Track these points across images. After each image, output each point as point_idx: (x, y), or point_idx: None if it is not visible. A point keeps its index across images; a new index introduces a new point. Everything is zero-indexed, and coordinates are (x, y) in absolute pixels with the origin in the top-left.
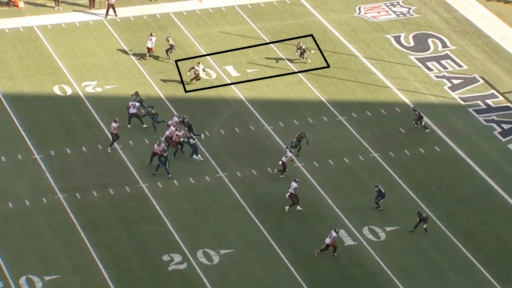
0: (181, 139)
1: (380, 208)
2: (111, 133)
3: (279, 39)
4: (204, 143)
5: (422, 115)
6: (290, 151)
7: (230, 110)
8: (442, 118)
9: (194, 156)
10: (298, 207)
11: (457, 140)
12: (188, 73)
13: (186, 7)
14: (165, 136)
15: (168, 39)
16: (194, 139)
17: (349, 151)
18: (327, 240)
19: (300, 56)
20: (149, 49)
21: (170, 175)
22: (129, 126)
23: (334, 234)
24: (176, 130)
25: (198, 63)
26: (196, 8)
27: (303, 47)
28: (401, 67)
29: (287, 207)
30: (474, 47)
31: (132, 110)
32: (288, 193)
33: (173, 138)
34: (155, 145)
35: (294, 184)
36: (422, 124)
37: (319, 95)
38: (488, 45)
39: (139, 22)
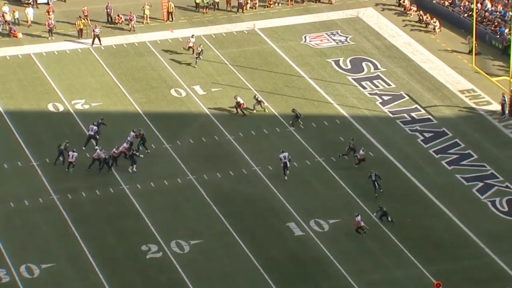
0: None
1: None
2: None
3: (239, 64)
4: (176, 150)
5: (299, 114)
6: (362, 150)
7: (198, 122)
8: (375, 129)
9: (130, 168)
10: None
11: (387, 147)
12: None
13: (160, 36)
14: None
15: (200, 45)
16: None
17: (298, 157)
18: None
19: (257, 105)
20: (190, 47)
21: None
22: (84, 148)
23: (357, 218)
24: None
25: (192, 35)
26: (168, 38)
27: (259, 98)
28: (340, 86)
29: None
30: (400, 69)
31: (90, 132)
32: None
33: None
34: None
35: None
36: (298, 123)
37: (273, 110)
38: (412, 67)
39: (120, 49)
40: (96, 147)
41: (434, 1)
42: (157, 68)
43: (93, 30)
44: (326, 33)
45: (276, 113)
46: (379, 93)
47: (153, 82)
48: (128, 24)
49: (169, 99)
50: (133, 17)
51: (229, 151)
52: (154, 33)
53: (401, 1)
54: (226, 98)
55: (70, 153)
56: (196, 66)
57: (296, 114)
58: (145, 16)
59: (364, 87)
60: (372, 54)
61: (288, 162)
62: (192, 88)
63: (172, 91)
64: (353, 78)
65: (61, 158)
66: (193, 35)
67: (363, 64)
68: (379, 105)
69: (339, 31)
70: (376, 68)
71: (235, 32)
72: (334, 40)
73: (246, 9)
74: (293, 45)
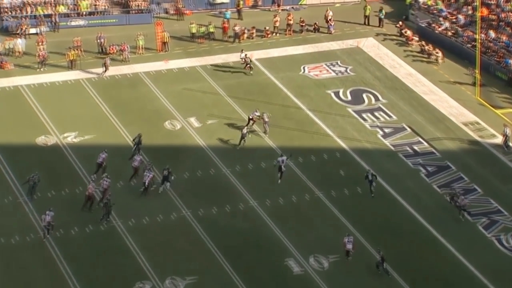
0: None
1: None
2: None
3: (235, 95)
4: (171, 185)
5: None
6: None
7: (193, 156)
8: (376, 162)
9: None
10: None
11: (389, 181)
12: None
13: (154, 67)
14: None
15: (247, 55)
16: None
17: (296, 191)
18: (349, 246)
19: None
20: (244, 60)
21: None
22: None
23: (345, 239)
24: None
25: (242, 50)
26: (162, 68)
27: (264, 116)
28: (340, 118)
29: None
30: (402, 100)
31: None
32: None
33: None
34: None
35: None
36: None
37: (271, 143)
38: (414, 99)
39: (112, 81)
40: (103, 176)
41: (437, 31)
42: (151, 99)
43: (105, 61)
44: (326, 64)
45: (273, 146)
46: (380, 125)
47: (147, 114)
48: (121, 55)
49: (164, 131)
50: (126, 47)
51: (225, 185)
52: (148, 64)
53: (402, 31)
54: (222, 131)
55: (43, 216)
56: (251, 73)
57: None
58: (138, 46)
59: (364, 119)
60: (373, 85)
61: (283, 166)
62: (187, 120)
63: (167, 124)
64: (353, 110)
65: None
66: (242, 50)
67: (364, 95)
68: (381, 137)
69: (338, 62)
70: (377, 99)
71: (231, 62)
72: (333, 71)
73: (243, 38)
74: (292, 76)
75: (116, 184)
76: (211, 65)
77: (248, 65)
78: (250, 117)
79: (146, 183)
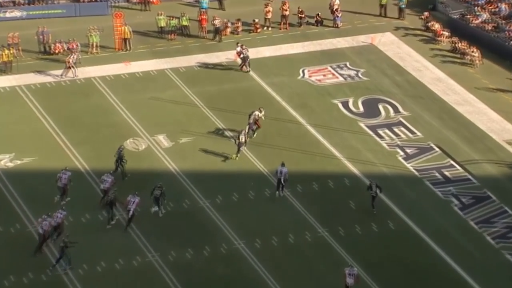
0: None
1: None
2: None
3: (216, 106)
4: (134, 222)
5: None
6: None
7: (162, 184)
8: (396, 191)
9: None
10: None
11: (413, 216)
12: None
13: (112, 71)
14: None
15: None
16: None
17: (294, 228)
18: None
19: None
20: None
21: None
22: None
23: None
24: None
25: (237, 43)
26: (122, 72)
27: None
28: (350, 135)
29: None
30: (428, 112)
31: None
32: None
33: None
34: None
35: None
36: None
37: (261, 166)
38: (443, 110)
39: (58, 88)
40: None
41: (473, 25)
42: (108, 112)
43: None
44: (331, 66)
45: (264, 171)
46: (401, 144)
47: (103, 131)
48: (69, 55)
49: (124, 152)
50: (76, 45)
51: (203, 221)
52: (104, 66)
53: (429, 25)
54: (200, 152)
55: None
56: (249, 69)
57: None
58: (92, 44)
59: (381, 137)
60: (391, 93)
61: (282, 179)
62: (154, 138)
63: (128, 143)
64: (366, 125)
65: None
66: (237, 43)
67: (380, 106)
68: (401, 160)
69: (347, 63)
70: (396, 111)
71: (210, 65)
72: (341, 75)
73: (225, 34)
74: (288, 82)
75: (68, 217)
76: (185, 67)
77: (243, 64)
78: (250, 121)
79: (131, 212)
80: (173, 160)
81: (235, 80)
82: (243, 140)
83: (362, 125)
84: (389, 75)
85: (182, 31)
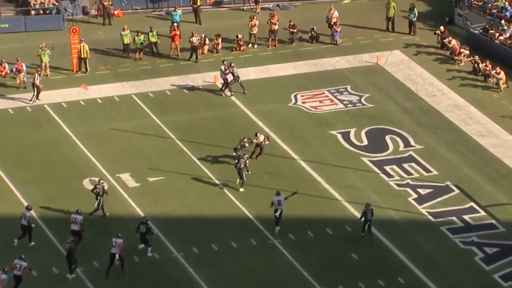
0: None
1: None
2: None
3: (192, 138)
4: (92, 278)
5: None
6: None
7: (127, 232)
8: (407, 240)
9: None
10: None
11: (427, 269)
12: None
13: (66, 96)
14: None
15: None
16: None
17: (286, 285)
18: None
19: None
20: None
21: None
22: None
23: None
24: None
25: (223, 61)
26: (79, 98)
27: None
28: (352, 173)
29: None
30: (445, 146)
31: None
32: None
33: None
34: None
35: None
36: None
37: (245, 211)
38: (463, 143)
39: (2, 116)
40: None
41: (497, 41)
42: (62, 145)
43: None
44: (329, 91)
45: (250, 216)
46: (412, 183)
47: (56, 168)
48: (15, 78)
49: (82, 194)
50: (23, 66)
51: (175, 275)
52: (57, 92)
53: (445, 41)
54: (172, 193)
55: None
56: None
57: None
58: (43, 64)
59: (389, 175)
60: (401, 122)
61: (279, 211)
62: (117, 177)
63: (86, 182)
64: (371, 161)
65: None
66: (223, 61)
67: (387, 138)
68: (413, 202)
69: (348, 87)
70: (407, 145)
71: (185, 89)
72: (341, 101)
73: (203, 52)
74: (277, 109)
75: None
76: (155, 92)
77: (227, 85)
78: (246, 143)
79: (117, 256)
80: (140, 203)
81: (214, 107)
82: (242, 165)
83: (366, 160)
84: (398, 101)
85: (151, 49)
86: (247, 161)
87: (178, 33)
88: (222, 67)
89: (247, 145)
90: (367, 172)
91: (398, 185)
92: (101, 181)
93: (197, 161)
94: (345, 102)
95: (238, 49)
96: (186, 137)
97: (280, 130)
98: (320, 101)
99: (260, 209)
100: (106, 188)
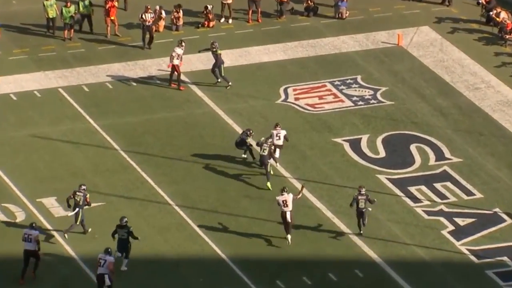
0: None
1: None
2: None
3: (143, 149)
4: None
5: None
6: None
7: (56, 278)
8: (440, 286)
9: None
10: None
11: None
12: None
13: None
14: None
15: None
16: None
17: None
18: None
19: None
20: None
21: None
22: None
23: None
24: None
25: (180, 41)
26: None
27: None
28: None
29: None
30: (492, 158)
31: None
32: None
33: None
34: None
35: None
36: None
37: (216, 249)
38: None
39: None
40: None
41: None
42: None
43: None
44: (332, 83)
45: (223, 256)
46: (448, 211)
47: None
48: None
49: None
50: None
51: None
52: None
53: (491, 13)
54: (115, 223)
55: None
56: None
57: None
58: None
59: (416, 199)
60: (431, 126)
61: (288, 215)
62: (39, 202)
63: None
64: (391, 180)
65: None
66: (181, 41)
67: (413, 148)
68: (449, 237)
69: (359, 78)
70: (440, 157)
71: (134, 82)
72: (348, 96)
73: (158, 30)
74: (260, 108)
75: None
76: (91, 85)
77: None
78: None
79: (107, 279)
80: (71, 239)
81: (173, 105)
82: (266, 151)
83: (383, 179)
84: (427, 97)
85: (80, 26)
86: (272, 146)
87: (115, 4)
88: (178, 51)
89: (250, 140)
90: (385, 195)
91: (428, 213)
92: (83, 187)
93: (150, 180)
94: (355, 99)
95: (206, 25)
96: (134, 147)
97: (264, 137)
98: (320, 97)
99: (237, 246)
100: (88, 199)
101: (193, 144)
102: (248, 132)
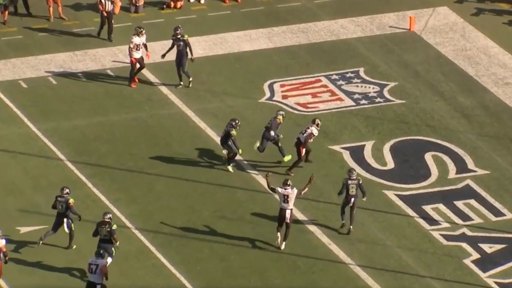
0: None
1: None
2: None
3: (93, 160)
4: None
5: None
6: None
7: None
8: None
9: None
10: None
11: None
12: None
13: None
14: None
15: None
16: None
17: None
18: None
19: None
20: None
21: None
22: None
23: None
24: None
25: (139, 29)
26: None
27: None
28: (368, 217)
29: None
30: None
31: None
32: None
33: None
34: None
35: None
36: None
37: (186, 283)
38: None
39: None
40: None
41: None
42: None
43: None
44: (328, 77)
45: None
46: (471, 235)
47: None
48: None
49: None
50: None
51: None
52: None
53: None
54: (62, 255)
55: None
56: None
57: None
58: None
59: (432, 221)
60: (451, 130)
61: (288, 213)
62: None
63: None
64: (401, 196)
65: None
66: (140, 29)
67: (429, 157)
68: (473, 266)
69: (361, 71)
70: (463, 168)
71: (81, 75)
72: (349, 94)
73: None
74: (240, 108)
75: None
76: (29, 81)
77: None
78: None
79: None
80: (6, 276)
81: (132, 105)
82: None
83: (391, 195)
84: (446, 94)
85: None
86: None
87: None
88: (136, 40)
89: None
90: (394, 216)
91: (447, 237)
92: (66, 190)
93: (103, 198)
94: (356, 97)
95: (172, 5)
96: (83, 156)
97: (245, 144)
98: (314, 95)
99: (211, 278)
100: (72, 203)
101: (157, 153)
102: (234, 123)
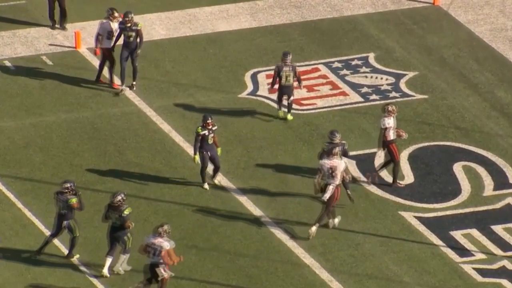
0: None
1: None
2: None
3: (21, 170)
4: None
5: None
6: None
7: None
8: None
9: None
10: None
11: None
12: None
13: None
14: None
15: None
16: None
17: None
18: None
19: None
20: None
21: None
22: None
23: None
24: None
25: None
26: None
27: None
28: (379, 244)
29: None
30: None
31: None
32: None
33: None
34: None
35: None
36: None
37: None
38: None
39: None
40: None
41: None
42: None
43: None
44: (329, 65)
45: None
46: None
47: None
48: None
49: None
50: None
51: None
52: None
53: None
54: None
55: None
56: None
57: None
58: None
59: (463, 251)
60: (487, 134)
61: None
62: None
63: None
64: (422, 219)
65: None
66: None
67: (458, 168)
68: None
69: (371, 57)
70: (503, 183)
71: (10, 64)
72: (355, 87)
73: None
74: (215, 105)
75: None
76: None
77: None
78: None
79: (162, 271)
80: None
81: (74, 101)
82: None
83: (410, 217)
84: (480, 87)
85: None
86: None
87: None
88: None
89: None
90: (414, 245)
91: (483, 272)
92: (67, 184)
93: (37, 222)
94: (365, 90)
95: None
96: (11, 168)
97: (233, 148)
98: (310, 88)
99: None
100: (74, 203)
101: (106, 164)
102: (205, 123)
